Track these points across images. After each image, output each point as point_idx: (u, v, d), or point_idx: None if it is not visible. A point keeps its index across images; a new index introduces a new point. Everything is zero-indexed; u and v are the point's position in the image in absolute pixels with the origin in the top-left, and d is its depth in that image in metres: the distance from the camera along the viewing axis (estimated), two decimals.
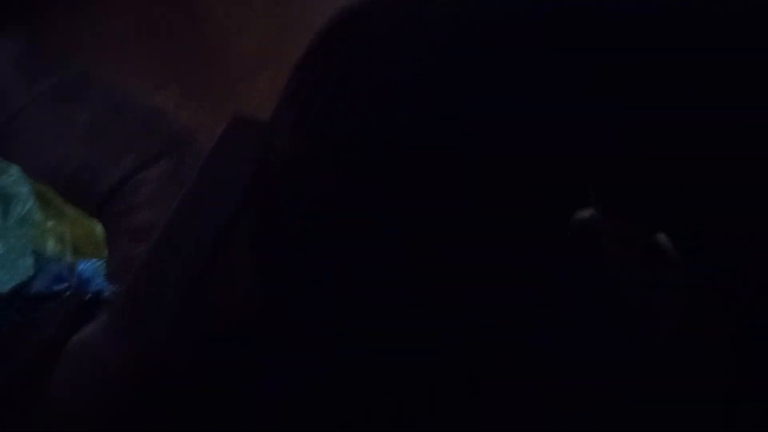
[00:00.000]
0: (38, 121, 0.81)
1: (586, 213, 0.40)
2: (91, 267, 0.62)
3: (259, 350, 0.58)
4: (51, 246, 0.63)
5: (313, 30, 1.44)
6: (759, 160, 0.39)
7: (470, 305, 0.40)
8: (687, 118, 0.40)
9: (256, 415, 0.54)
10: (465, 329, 0.40)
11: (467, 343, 0.40)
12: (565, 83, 0.38)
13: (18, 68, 0.91)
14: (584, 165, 0.38)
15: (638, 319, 0.42)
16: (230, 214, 0.61)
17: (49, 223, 0.65)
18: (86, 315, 0.59)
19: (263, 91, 1.51)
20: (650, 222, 0.40)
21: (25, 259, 0.61)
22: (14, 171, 0.67)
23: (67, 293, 0.59)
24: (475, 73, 0.40)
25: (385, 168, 0.42)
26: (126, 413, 0.56)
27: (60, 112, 0.84)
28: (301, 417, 0.49)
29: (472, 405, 0.40)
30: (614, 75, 0.38)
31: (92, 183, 0.76)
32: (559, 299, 0.41)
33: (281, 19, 1.64)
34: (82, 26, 1.67)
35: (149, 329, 0.51)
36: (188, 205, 0.59)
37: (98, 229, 0.67)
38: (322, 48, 0.45)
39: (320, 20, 1.42)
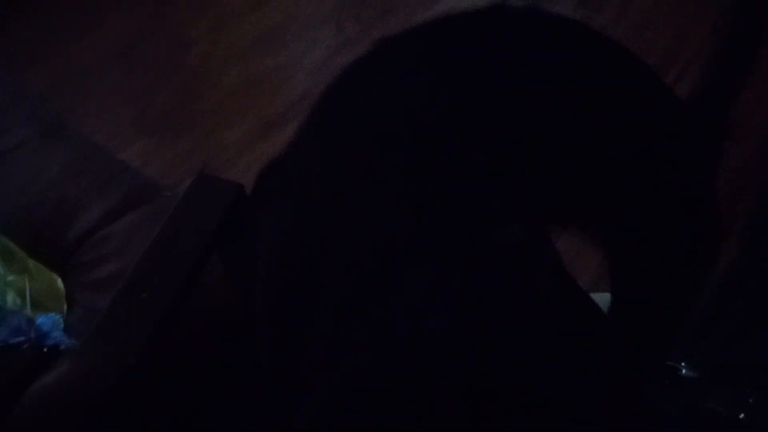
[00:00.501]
0: (10, 169, 0.82)
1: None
2: (50, 321, 0.63)
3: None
4: (11, 299, 0.64)
5: (281, 88, 1.50)
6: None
7: None
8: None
9: None
10: None
11: None
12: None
13: None
14: None
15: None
16: (196, 260, 0.64)
17: (10, 278, 0.66)
18: (44, 365, 0.60)
19: (231, 146, 1.54)
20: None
21: None
22: None
23: (26, 345, 0.60)
24: None
25: None
26: None
27: (31, 162, 0.85)
28: None
29: None
30: None
31: (58, 234, 0.78)
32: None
33: (252, 75, 1.70)
34: (62, 74, 1.70)
35: (123, 342, 0.55)
36: (155, 252, 0.62)
37: (59, 283, 0.68)
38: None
39: (288, 76, 1.47)
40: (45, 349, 0.60)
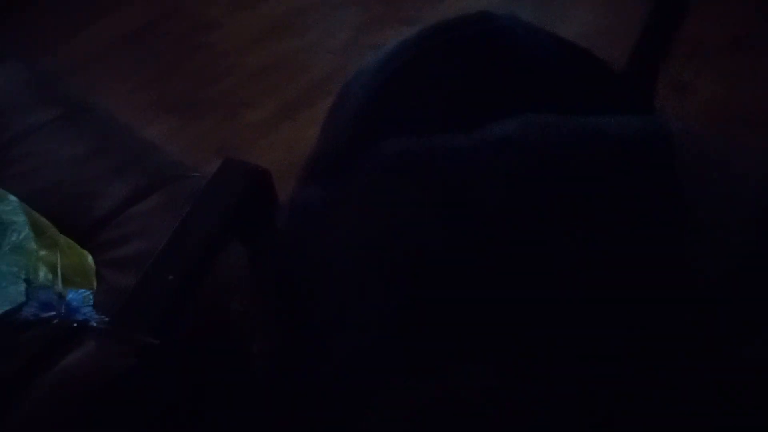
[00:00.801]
0: (37, 148, 0.83)
1: None
2: (80, 296, 0.64)
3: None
4: (42, 274, 0.66)
5: (301, 72, 1.49)
6: None
7: None
8: None
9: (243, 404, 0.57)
10: None
11: None
12: None
13: (21, 94, 0.93)
14: None
15: None
16: (219, 239, 0.64)
17: (42, 252, 0.67)
18: (73, 341, 0.61)
19: (253, 126, 1.54)
20: None
21: (17, 285, 0.63)
22: (12, 200, 0.69)
23: (55, 321, 0.62)
24: None
25: None
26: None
27: (57, 140, 0.86)
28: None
29: None
30: None
31: (84, 212, 0.79)
32: None
33: (274, 57, 1.69)
34: (84, 55, 1.71)
35: (145, 318, 0.56)
36: (182, 232, 0.63)
37: (89, 260, 0.69)
38: None
39: (310, 57, 1.46)
40: (75, 325, 0.61)
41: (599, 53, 0.73)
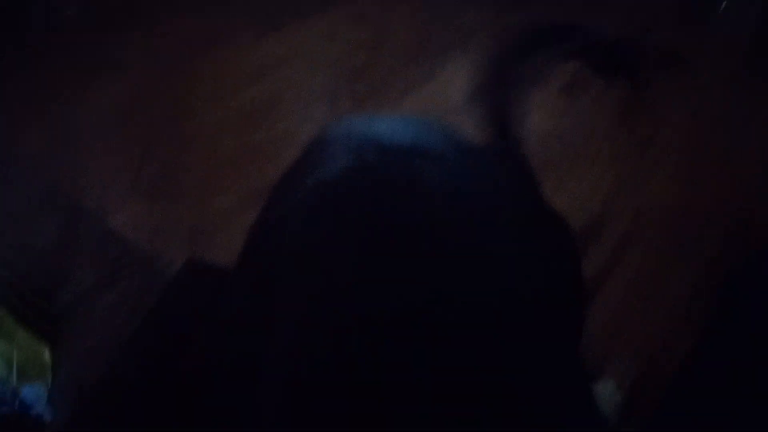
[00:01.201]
0: (3, 238, 0.85)
1: None
2: (34, 393, 0.64)
3: None
4: None
5: (268, 162, 1.56)
6: None
7: None
8: None
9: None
10: None
11: None
12: None
13: None
14: None
15: None
16: (177, 348, 0.66)
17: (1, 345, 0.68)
18: None
19: (221, 213, 1.58)
20: None
21: None
22: None
23: (9, 416, 0.62)
24: None
25: None
26: None
27: (26, 229, 0.88)
28: None
29: None
30: None
31: (48, 302, 0.80)
32: None
33: (246, 146, 1.75)
34: (64, 133, 1.75)
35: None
36: (140, 338, 0.65)
37: (46, 355, 0.70)
38: None
39: (280, 148, 1.54)
40: (28, 421, 0.61)
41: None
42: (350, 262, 0.53)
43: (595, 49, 0.81)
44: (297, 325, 0.53)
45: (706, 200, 1.58)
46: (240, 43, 2.12)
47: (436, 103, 1.91)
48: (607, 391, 1.01)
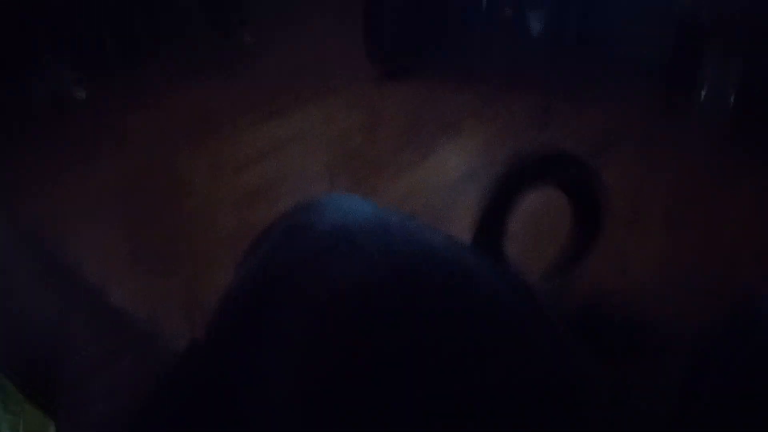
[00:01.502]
0: (10, 311, 0.87)
1: None
2: None
3: None
4: None
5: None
6: None
7: None
8: None
9: None
10: None
11: None
12: None
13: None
14: None
15: None
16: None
17: (7, 417, 0.69)
18: None
19: (221, 289, 1.61)
20: None
21: None
22: None
23: None
24: None
25: None
26: None
27: (31, 302, 0.91)
28: None
29: None
30: None
31: (52, 375, 0.82)
32: None
33: (245, 224, 1.79)
34: (68, 204, 1.80)
35: None
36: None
37: (51, 430, 0.72)
38: None
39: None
40: None
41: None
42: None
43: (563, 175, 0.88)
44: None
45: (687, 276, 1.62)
46: (242, 125, 2.22)
47: (428, 184, 1.98)
48: None
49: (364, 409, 0.52)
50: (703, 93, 2.29)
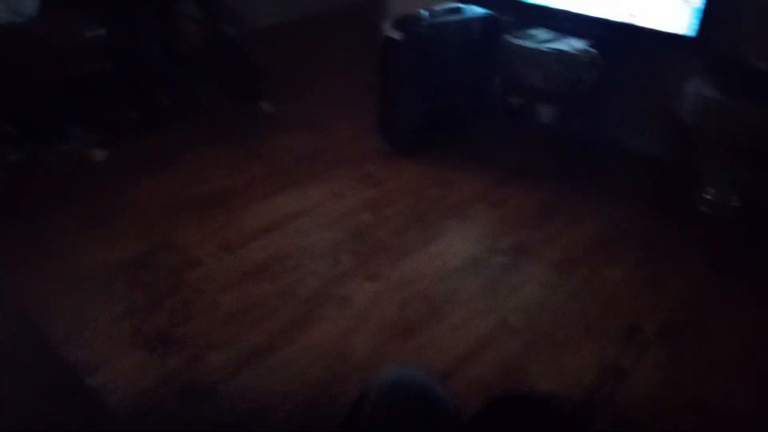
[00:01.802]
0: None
1: None
2: None
3: None
4: None
5: (267, 318, 1.63)
6: None
7: None
8: None
9: None
10: None
11: None
12: None
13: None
14: None
15: None
16: None
17: None
18: None
19: (216, 371, 1.62)
20: None
21: None
22: None
23: None
24: None
25: None
26: None
27: (21, 382, 0.92)
28: None
29: None
30: None
31: None
32: None
33: (248, 300, 1.81)
34: (75, 280, 1.83)
35: None
36: None
37: None
38: None
39: (281, 303, 1.61)
40: None
41: None
42: None
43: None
44: None
45: (689, 392, 1.62)
46: (253, 196, 2.27)
47: (433, 267, 2.00)
48: None
49: None
50: (705, 195, 2.32)
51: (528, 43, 2.42)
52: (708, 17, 2.18)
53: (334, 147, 2.62)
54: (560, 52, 2.36)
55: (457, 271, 1.99)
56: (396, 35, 2.35)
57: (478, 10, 2.51)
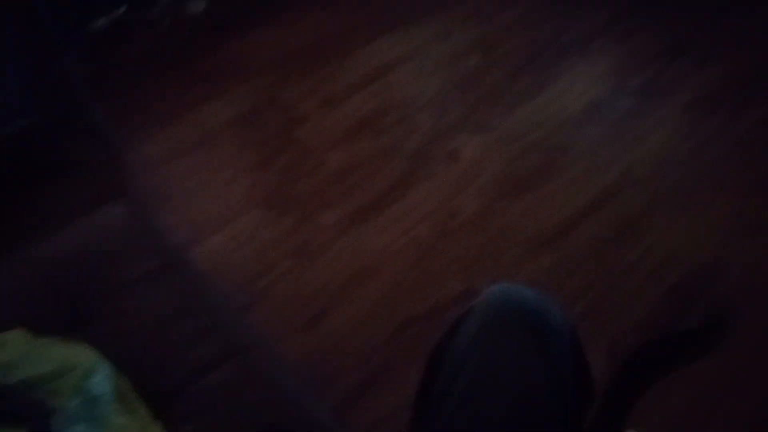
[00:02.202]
0: (128, 305, 0.94)
1: None
2: None
3: None
4: None
5: (373, 176, 1.58)
6: None
7: None
8: None
9: None
10: None
11: None
12: None
13: (116, 243, 1.04)
14: None
15: None
16: None
17: (121, 420, 0.77)
18: None
19: (327, 229, 1.65)
20: None
21: None
22: (103, 371, 0.81)
23: None
24: None
25: None
26: None
27: (147, 297, 0.96)
28: None
29: None
30: None
31: (160, 381, 0.87)
32: None
33: (354, 157, 1.78)
34: (188, 140, 1.87)
35: None
36: None
37: None
38: None
39: (386, 160, 1.54)
40: None
41: None
42: None
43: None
44: None
45: None
46: (354, 45, 2.14)
47: (549, 114, 1.85)
48: None
49: None
50: None
51: None
52: None
53: None
54: None
55: (576, 118, 1.83)
56: None
57: None
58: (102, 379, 0.80)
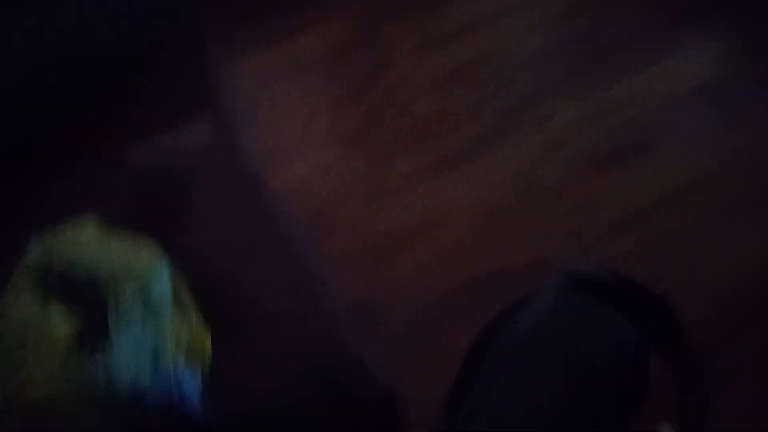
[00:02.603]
0: (211, 226, 0.95)
1: None
2: (194, 381, 0.76)
3: None
4: (169, 346, 0.78)
5: (457, 129, 1.55)
6: None
7: None
8: None
9: None
10: None
11: None
12: None
13: (205, 160, 1.06)
14: None
15: None
16: None
17: (174, 323, 0.80)
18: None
19: (403, 176, 1.62)
20: None
21: (146, 357, 0.76)
22: (163, 276, 0.84)
23: (168, 408, 0.74)
24: None
25: None
26: None
27: (224, 211, 0.98)
28: None
29: None
30: None
31: (226, 301, 0.89)
32: None
33: (439, 109, 1.73)
34: (277, 70, 1.85)
35: None
36: None
37: (209, 341, 0.82)
38: None
39: (472, 115, 1.50)
40: (183, 413, 0.73)
41: None
42: None
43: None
44: None
45: None
46: None
47: (655, 91, 1.73)
48: None
49: None
50: None
51: None
52: None
53: None
54: None
55: (682, 99, 1.70)
56: None
57: None
58: (161, 285, 0.83)
